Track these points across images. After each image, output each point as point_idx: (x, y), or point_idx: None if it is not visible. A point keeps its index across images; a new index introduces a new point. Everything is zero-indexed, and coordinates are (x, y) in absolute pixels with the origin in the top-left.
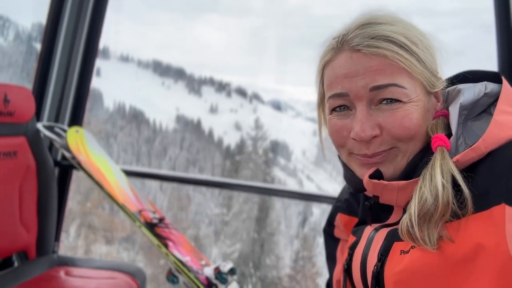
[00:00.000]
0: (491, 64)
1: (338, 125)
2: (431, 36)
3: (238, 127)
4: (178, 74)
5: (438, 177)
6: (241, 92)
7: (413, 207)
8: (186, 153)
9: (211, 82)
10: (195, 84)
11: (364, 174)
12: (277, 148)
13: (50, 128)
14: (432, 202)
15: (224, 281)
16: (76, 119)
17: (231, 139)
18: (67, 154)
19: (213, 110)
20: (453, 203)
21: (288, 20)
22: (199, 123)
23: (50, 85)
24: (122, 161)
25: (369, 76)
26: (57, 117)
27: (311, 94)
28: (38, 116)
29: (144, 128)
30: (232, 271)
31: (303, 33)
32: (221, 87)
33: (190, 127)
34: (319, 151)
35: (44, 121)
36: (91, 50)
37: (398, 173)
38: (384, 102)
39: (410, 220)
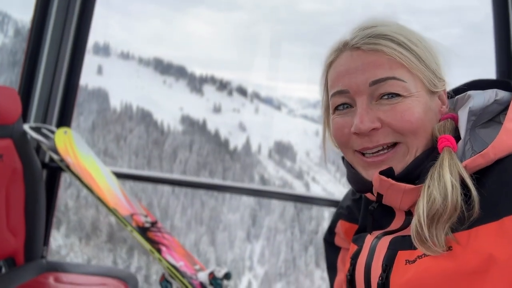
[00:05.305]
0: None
1: (340, 123)
2: (434, 41)
3: (242, 127)
4: (179, 72)
5: (447, 176)
6: (242, 91)
7: (422, 207)
8: (195, 156)
9: (212, 80)
10: (196, 83)
11: (369, 175)
12: (282, 149)
13: (37, 130)
14: (441, 202)
15: (218, 287)
16: (65, 120)
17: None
18: (55, 157)
19: (216, 109)
20: (461, 206)
21: (275, 15)
22: (204, 123)
23: (37, 84)
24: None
25: (369, 71)
26: (44, 118)
27: (303, 91)
28: (24, 117)
29: (152, 130)
30: (226, 276)
31: (291, 29)
32: (222, 85)
33: (196, 128)
34: (322, 152)
35: (31, 122)
36: (80, 46)
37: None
38: (385, 97)
39: (419, 221)
